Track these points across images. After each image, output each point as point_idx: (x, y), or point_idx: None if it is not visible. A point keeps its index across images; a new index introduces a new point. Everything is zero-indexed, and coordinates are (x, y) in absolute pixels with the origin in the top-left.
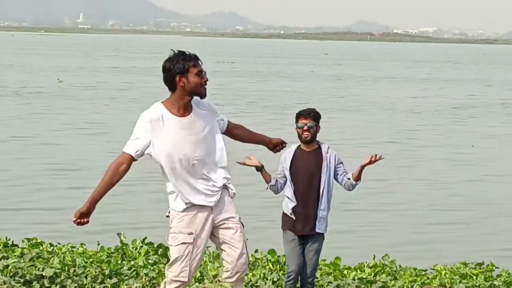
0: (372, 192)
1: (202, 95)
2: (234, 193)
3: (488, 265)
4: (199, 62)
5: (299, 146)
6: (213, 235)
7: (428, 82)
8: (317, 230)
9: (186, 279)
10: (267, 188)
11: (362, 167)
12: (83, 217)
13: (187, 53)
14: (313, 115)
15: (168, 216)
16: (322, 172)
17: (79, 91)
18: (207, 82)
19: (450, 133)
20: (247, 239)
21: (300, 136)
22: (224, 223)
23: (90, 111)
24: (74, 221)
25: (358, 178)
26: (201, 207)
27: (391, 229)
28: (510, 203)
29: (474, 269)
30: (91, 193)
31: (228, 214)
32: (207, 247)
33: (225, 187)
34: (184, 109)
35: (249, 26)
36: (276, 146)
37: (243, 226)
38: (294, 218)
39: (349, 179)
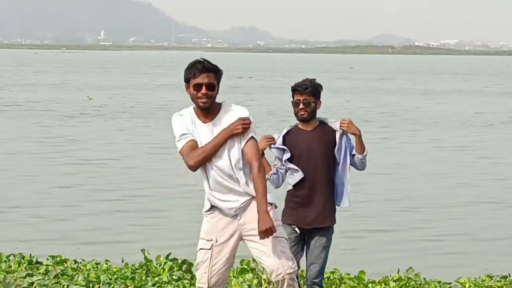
0: (397, 208)
1: (200, 108)
2: (270, 203)
3: None
4: (203, 74)
5: (296, 126)
6: (246, 245)
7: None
8: (326, 225)
9: (206, 285)
10: (267, 179)
11: (357, 136)
12: None
13: (194, 62)
14: (310, 90)
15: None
16: (329, 152)
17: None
18: (206, 94)
19: None
20: (286, 239)
21: (296, 114)
22: (251, 235)
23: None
24: None
25: (361, 150)
26: (223, 213)
27: (416, 240)
28: None
29: (499, 281)
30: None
31: (255, 225)
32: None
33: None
34: (205, 116)
35: (270, 40)
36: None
37: (285, 238)
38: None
39: (354, 155)
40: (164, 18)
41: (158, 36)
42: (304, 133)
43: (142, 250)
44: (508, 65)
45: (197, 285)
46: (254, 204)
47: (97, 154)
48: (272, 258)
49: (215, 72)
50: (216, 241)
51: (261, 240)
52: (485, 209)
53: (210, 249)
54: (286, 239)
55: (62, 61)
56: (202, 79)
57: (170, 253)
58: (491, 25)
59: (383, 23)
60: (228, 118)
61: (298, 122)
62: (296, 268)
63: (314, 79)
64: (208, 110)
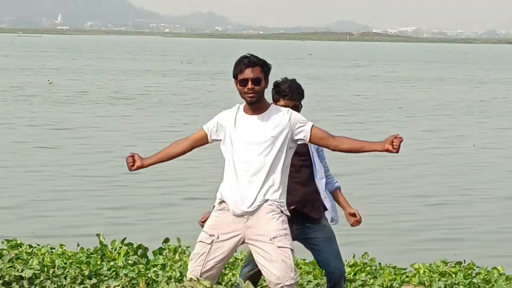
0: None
1: (248, 103)
2: (283, 213)
3: (469, 263)
4: (249, 69)
5: None
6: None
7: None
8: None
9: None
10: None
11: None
12: None
13: (241, 58)
14: (299, 96)
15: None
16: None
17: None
18: (252, 89)
19: None
20: (292, 249)
21: None
22: (255, 240)
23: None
24: None
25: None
26: (232, 213)
27: (372, 226)
28: None
29: (454, 267)
30: None
31: (260, 231)
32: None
33: (272, 204)
34: (253, 111)
35: (228, 26)
36: (392, 143)
37: (291, 249)
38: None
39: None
40: (122, 3)
41: (116, 21)
42: None
43: (98, 235)
44: (466, 53)
45: (188, 275)
46: (263, 208)
47: (57, 139)
48: (273, 267)
49: (262, 66)
50: (218, 238)
51: (265, 248)
52: (446, 196)
53: (209, 244)
54: (291, 250)
55: (20, 45)
56: (247, 74)
57: (125, 238)
58: (449, 13)
59: (341, 9)
60: (278, 115)
61: None
62: (298, 279)
63: (295, 79)
64: (256, 106)
